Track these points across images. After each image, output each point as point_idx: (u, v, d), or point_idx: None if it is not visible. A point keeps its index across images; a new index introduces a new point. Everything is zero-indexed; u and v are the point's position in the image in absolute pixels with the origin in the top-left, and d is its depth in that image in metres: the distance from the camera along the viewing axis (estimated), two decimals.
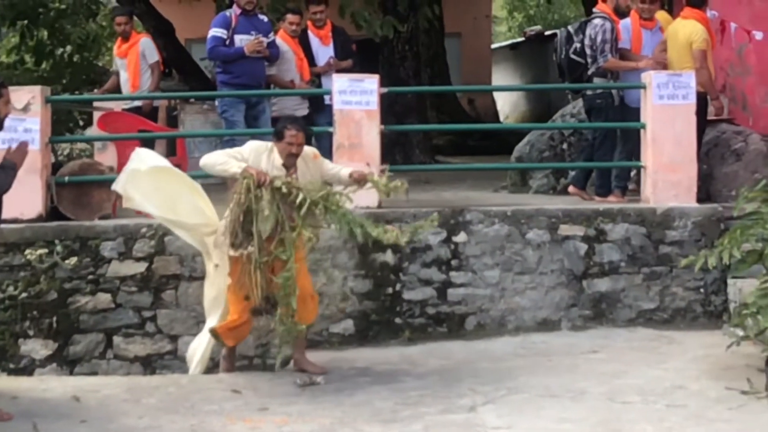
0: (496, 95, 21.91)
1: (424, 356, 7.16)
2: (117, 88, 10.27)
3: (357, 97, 8.00)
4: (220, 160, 6.54)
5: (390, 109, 8.29)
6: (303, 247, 6.46)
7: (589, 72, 8.64)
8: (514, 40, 26.17)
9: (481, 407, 5.80)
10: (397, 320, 7.74)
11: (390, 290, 7.75)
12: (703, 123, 8.56)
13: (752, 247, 6.29)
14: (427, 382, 6.41)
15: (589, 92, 8.73)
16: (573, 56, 8.83)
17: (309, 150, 6.72)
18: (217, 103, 9.20)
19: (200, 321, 7.58)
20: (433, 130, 13.87)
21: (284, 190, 6.30)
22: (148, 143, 9.72)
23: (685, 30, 8.52)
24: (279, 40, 9.11)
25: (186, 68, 15.48)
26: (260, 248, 6.28)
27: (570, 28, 9.10)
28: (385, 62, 14.06)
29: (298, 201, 6.28)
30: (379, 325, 7.73)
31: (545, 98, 20.59)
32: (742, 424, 5.33)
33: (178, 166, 9.01)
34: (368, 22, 11.48)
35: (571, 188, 8.88)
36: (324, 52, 9.49)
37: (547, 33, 22.78)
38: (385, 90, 8.18)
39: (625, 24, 8.88)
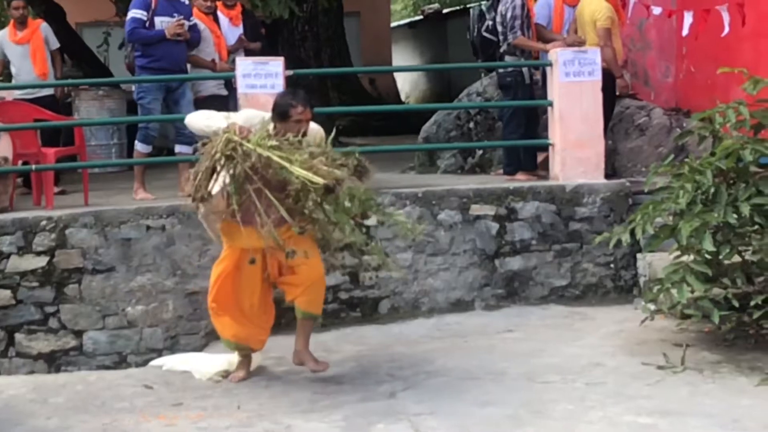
0: (396, 74, 21.84)
1: (338, 342, 7.05)
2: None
3: (262, 81, 7.82)
4: (205, 115, 5.86)
5: None
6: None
7: (501, 50, 8.60)
8: (413, 19, 26.11)
9: (401, 393, 5.73)
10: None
11: None
12: (612, 100, 8.62)
13: (664, 221, 6.33)
14: (344, 369, 6.30)
15: (500, 70, 8.69)
16: (485, 34, 8.78)
17: (316, 130, 5.88)
18: (134, 88, 8.86)
19: (105, 315, 7.39)
20: (338, 112, 13.70)
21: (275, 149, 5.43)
22: (47, 133, 9.42)
23: (590, 7, 8.55)
24: (195, 20, 8.84)
25: (79, 53, 15.00)
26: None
27: (483, 5, 9.05)
28: (285, 43, 13.86)
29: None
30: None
31: (445, 77, 20.61)
32: (662, 400, 5.35)
33: (76, 155, 8.77)
34: (264, 1, 11.21)
35: (519, 175, 8.62)
36: (233, 33, 9.28)
37: (445, 11, 22.79)
38: (290, 72, 8.01)
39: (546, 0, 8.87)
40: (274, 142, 5.46)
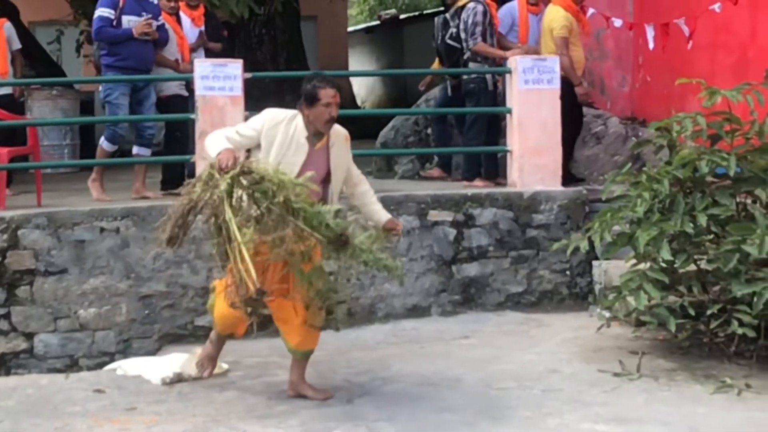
0: (352, 79, 21.83)
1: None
2: None
3: (220, 83, 7.75)
4: (210, 141, 5.38)
5: (248, 94, 8.09)
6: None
7: (465, 56, 8.62)
8: (370, 24, 26.12)
9: (358, 399, 5.69)
10: (265, 311, 7.53)
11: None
12: (577, 108, 8.66)
13: (622, 229, 6.36)
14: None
15: (464, 76, 8.71)
16: (449, 41, 8.81)
17: (339, 128, 5.61)
18: (100, 88, 8.73)
19: (57, 317, 7.27)
20: None
21: (254, 176, 5.02)
22: (3, 133, 9.26)
23: (548, 16, 8.61)
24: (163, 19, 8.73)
25: (32, 52, 14.78)
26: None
27: (447, 13, 9.07)
28: (242, 46, 13.79)
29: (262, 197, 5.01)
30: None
31: (401, 82, 20.63)
32: (618, 407, 5.37)
33: (30, 155, 8.64)
34: (222, 1, 11.13)
35: (477, 181, 8.59)
36: (195, 33, 9.19)
37: (402, 17, 22.83)
38: (249, 75, 7.95)
39: (509, 8, 8.90)
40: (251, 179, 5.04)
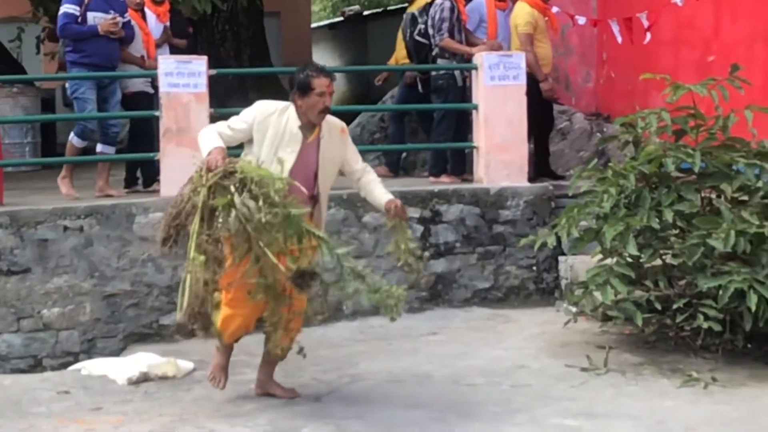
0: None
1: (261, 346, 6.91)
2: None
3: (184, 80, 7.67)
4: (203, 138, 5.24)
5: (212, 91, 8.04)
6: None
7: (433, 53, 8.62)
8: (333, 20, 26.04)
9: (326, 397, 5.68)
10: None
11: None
12: (547, 104, 8.67)
13: (588, 225, 6.38)
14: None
15: (433, 72, 8.70)
16: (417, 38, 8.82)
17: (334, 120, 5.45)
18: (67, 85, 8.62)
19: (20, 317, 7.19)
20: None
21: (237, 176, 4.90)
22: None
23: (514, 13, 8.62)
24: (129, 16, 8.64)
25: None
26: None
27: (415, 9, 9.06)
28: (205, 43, 13.68)
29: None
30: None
31: (365, 79, 20.57)
32: (587, 402, 5.40)
33: None
34: None
35: (444, 177, 8.54)
36: (159, 29, 9.10)
37: (365, 13, 22.78)
38: (213, 72, 7.89)
39: (477, 4, 8.89)
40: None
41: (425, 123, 9.08)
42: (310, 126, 5.30)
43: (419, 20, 8.82)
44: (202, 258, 4.96)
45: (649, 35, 8.73)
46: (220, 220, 4.90)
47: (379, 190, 5.51)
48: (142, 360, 6.33)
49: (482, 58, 8.06)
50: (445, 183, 8.32)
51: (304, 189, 5.18)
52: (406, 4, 9.74)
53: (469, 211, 7.87)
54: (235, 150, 5.44)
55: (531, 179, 8.22)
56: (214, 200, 4.92)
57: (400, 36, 9.54)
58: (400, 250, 5.43)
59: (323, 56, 23.70)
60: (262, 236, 4.83)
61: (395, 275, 7.68)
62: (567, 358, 6.22)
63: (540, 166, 8.80)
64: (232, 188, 4.89)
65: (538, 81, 8.45)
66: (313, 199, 5.36)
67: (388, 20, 17.79)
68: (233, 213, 4.84)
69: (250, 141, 5.30)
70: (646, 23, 8.77)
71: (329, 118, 5.37)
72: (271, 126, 5.22)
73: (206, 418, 5.33)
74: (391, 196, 5.49)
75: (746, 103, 6.29)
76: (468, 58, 8.49)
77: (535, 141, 8.83)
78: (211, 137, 5.21)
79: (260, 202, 4.81)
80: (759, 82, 7.35)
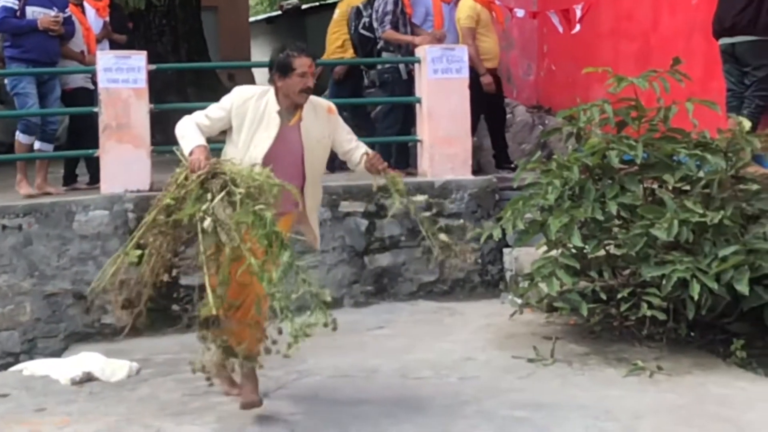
0: (255, 70, 21.61)
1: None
2: None
3: (124, 75, 7.57)
4: (182, 132, 5.02)
5: (149, 86, 7.95)
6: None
7: (378, 46, 8.60)
8: (271, 14, 25.89)
9: (274, 393, 5.62)
10: (174, 307, 7.38)
11: (165, 277, 7.39)
12: (498, 97, 8.70)
13: (533, 217, 6.41)
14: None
15: (379, 66, 8.68)
16: (362, 31, 8.79)
17: (320, 100, 5.29)
18: (6, 81, 8.43)
19: None
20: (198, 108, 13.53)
21: (224, 177, 4.70)
22: None
23: (458, 7, 8.66)
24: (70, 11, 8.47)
25: None
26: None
27: (360, 4, 9.03)
28: (142, 38, 13.51)
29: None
30: (154, 313, 7.33)
31: None
32: (535, 393, 5.41)
33: None
34: None
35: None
36: (99, 24, 8.97)
37: (303, 7, 22.68)
38: (153, 67, 7.79)
39: None
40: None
41: (358, 119, 9.04)
42: (291, 109, 5.12)
43: (364, 14, 8.81)
44: (137, 252, 4.84)
45: (579, 26, 8.80)
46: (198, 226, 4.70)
47: (357, 153, 5.32)
48: (85, 360, 6.22)
49: (425, 51, 8.07)
50: None
51: (288, 186, 4.86)
52: None
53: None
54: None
55: (474, 172, 8.25)
56: (192, 207, 4.72)
57: (330, 30, 9.51)
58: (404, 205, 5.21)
59: (261, 51, 23.56)
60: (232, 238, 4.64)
61: (340, 269, 7.70)
62: (514, 349, 6.24)
63: (500, 158, 8.86)
64: (210, 194, 4.70)
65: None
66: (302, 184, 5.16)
67: (327, 14, 17.62)
68: (208, 220, 4.66)
69: (231, 128, 5.13)
70: (578, 12, 8.84)
71: (315, 99, 5.23)
72: (249, 110, 5.06)
73: (153, 417, 5.26)
74: (363, 150, 5.30)
75: (686, 94, 6.37)
76: (412, 49, 8.48)
77: (491, 134, 8.87)
78: (192, 133, 5.01)
79: (238, 208, 4.60)
80: (697, 74, 7.45)
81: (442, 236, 5.34)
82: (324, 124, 5.21)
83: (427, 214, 7.82)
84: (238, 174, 4.72)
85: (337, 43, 9.31)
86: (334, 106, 5.33)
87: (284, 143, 5.07)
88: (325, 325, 4.74)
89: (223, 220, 4.66)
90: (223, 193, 4.66)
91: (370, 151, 5.32)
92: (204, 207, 4.67)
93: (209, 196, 4.68)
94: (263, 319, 4.87)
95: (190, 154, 4.87)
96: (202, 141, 4.97)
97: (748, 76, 7.55)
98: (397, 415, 5.14)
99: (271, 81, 5.14)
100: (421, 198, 5.60)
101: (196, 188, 4.71)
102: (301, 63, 5.01)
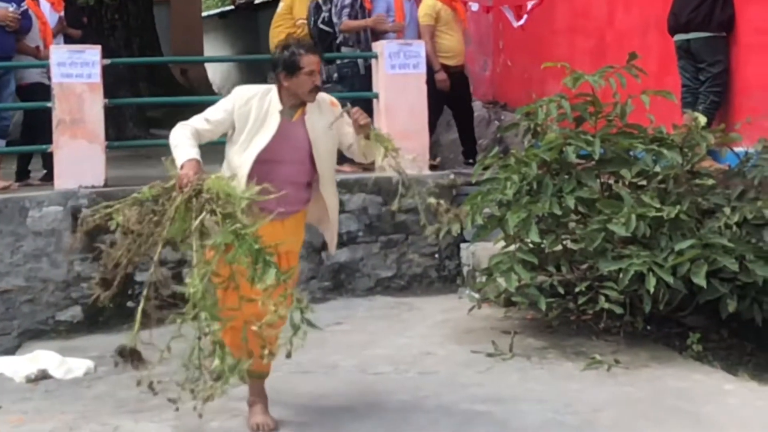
0: (207, 65, 21.48)
1: (163, 340, 6.78)
2: None
3: (78, 70, 7.47)
4: (176, 141, 4.77)
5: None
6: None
7: (337, 41, 8.58)
8: (224, 9, 25.74)
9: (233, 390, 5.52)
10: (130, 304, 7.32)
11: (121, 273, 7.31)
12: (464, 92, 8.72)
13: (492, 212, 6.42)
14: (171, 367, 6.02)
15: (338, 61, 8.66)
16: (321, 26, 8.76)
17: (322, 94, 5.06)
18: None
19: None
20: (150, 103, 13.42)
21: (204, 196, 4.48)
22: None
23: (420, 4, 8.70)
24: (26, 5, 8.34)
25: None
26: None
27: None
28: (94, 33, 13.35)
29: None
30: (110, 309, 7.27)
31: (258, 68, 20.38)
32: (494, 387, 5.43)
33: None
34: None
35: (346, 167, 8.42)
36: (54, 19, 8.85)
37: (256, 2, 22.56)
38: (108, 61, 7.70)
39: None
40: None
41: None
42: (295, 107, 4.95)
43: (323, 8, 8.78)
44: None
45: (526, 16, 8.85)
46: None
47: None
48: (40, 357, 6.14)
49: (382, 46, 8.06)
50: (347, 172, 8.28)
51: (282, 192, 4.59)
52: None
53: (372, 200, 7.86)
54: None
55: (432, 167, 8.26)
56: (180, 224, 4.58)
57: (273, 24, 9.47)
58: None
59: (214, 45, 23.43)
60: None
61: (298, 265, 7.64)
62: (472, 344, 6.26)
63: (468, 153, 8.89)
64: (194, 213, 4.53)
65: (449, 72, 8.50)
66: (309, 186, 5.05)
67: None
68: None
69: (233, 129, 4.93)
70: (529, 5, 8.91)
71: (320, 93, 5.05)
72: (253, 109, 4.86)
73: (110, 415, 5.22)
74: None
75: (641, 90, 6.41)
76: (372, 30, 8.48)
77: (460, 130, 8.89)
78: (185, 144, 4.76)
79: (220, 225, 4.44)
80: (653, 69, 7.52)
81: (431, 199, 5.33)
82: (329, 118, 4.98)
83: (384, 209, 7.86)
84: (222, 191, 4.51)
85: (280, 37, 9.23)
86: (336, 100, 5.12)
87: (288, 140, 4.90)
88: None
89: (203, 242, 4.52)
90: (203, 215, 4.49)
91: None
92: (185, 227, 4.56)
93: (193, 214, 4.54)
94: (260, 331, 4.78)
95: (181, 167, 4.63)
96: (195, 154, 4.73)
97: (703, 72, 7.64)
98: (357, 411, 5.14)
99: (275, 80, 4.94)
100: (409, 157, 5.43)
101: (182, 205, 4.55)
102: (309, 61, 4.83)
